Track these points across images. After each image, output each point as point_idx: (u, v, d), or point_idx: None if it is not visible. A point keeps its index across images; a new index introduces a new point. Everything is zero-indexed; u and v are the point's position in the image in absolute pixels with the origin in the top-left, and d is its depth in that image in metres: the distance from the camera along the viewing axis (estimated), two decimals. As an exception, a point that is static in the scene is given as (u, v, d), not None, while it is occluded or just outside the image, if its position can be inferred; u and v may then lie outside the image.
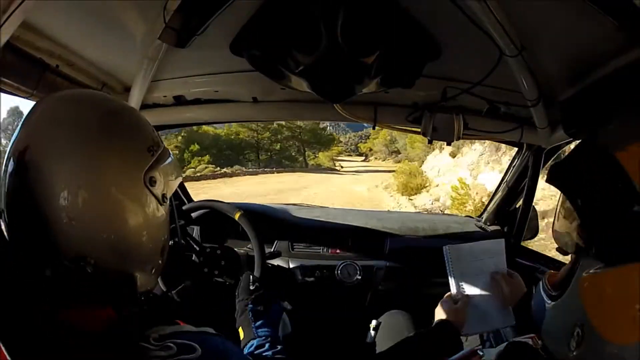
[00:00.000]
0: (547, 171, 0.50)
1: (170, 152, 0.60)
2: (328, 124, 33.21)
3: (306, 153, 30.12)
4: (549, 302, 0.51)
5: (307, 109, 1.29)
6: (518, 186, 1.55)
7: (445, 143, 1.30)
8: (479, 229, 1.67)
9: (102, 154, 0.49)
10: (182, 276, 1.12)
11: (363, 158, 37.33)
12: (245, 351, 0.81)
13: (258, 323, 0.86)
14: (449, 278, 0.90)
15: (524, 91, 1.02)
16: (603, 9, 0.64)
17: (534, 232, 1.56)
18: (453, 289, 0.90)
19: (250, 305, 0.90)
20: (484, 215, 1.73)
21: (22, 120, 0.50)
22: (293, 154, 30.01)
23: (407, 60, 0.99)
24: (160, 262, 0.59)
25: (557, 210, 0.55)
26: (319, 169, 26.62)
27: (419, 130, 1.24)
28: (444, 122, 1.19)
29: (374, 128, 1.36)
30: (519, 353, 0.63)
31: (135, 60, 1.02)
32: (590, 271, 0.44)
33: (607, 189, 0.43)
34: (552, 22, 0.79)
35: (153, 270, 0.57)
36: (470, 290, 0.89)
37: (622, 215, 0.41)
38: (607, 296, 0.42)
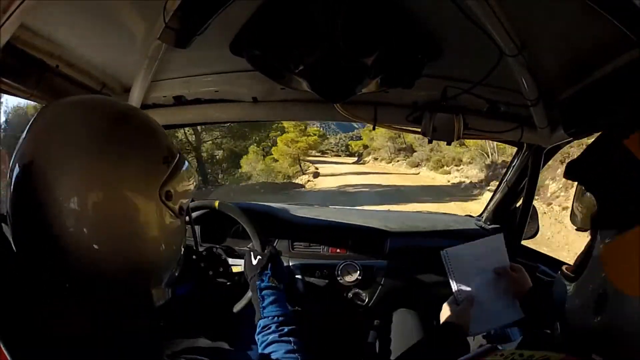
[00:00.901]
0: (565, 167, 0.55)
1: (185, 158, 0.54)
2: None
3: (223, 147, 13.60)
4: (570, 284, 0.55)
5: (307, 109, 1.29)
6: (518, 186, 1.55)
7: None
8: (479, 228, 1.68)
9: (111, 167, 0.44)
10: (184, 277, 1.12)
11: (355, 159, 27.32)
12: (256, 332, 0.80)
13: (265, 302, 0.85)
14: (450, 281, 0.89)
15: (524, 91, 1.02)
16: (603, 9, 0.64)
17: (534, 232, 1.56)
18: (455, 291, 0.88)
19: (258, 282, 0.89)
20: (484, 215, 1.73)
21: (29, 125, 0.47)
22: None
23: (407, 60, 0.99)
24: (175, 273, 0.55)
25: (574, 201, 0.59)
26: (243, 189, 12.11)
27: (419, 130, 1.24)
28: (444, 122, 1.19)
29: (374, 128, 1.36)
30: (538, 342, 0.64)
31: (135, 60, 1.02)
32: (607, 241, 0.48)
33: (620, 174, 0.48)
34: (552, 22, 0.79)
35: (168, 283, 0.54)
36: (474, 289, 0.88)
37: (631, 186, 0.46)
38: (625, 257, 0.46)
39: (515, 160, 1.54)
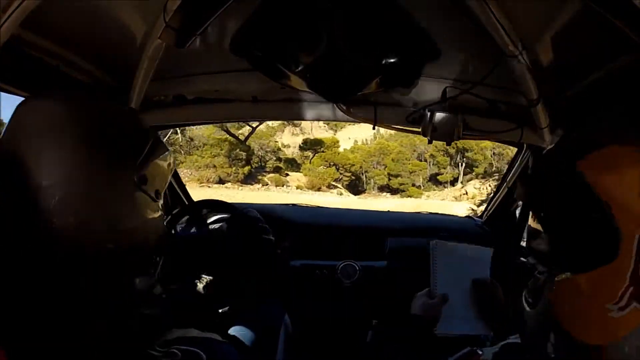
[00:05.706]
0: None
1: (160, 140, 0.56)
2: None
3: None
4: (528, 309, 0.53)
5: (307, 108, 1.29)
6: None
7: None
8: (479, 229, 1.68)
9: (87, 152, 0.46)
10: (198, 269, 1.10)
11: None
12: None
13: None
14: (431, 273, 0.88)
15: (524, 91, 1.02)
16: (603, 9, 0.64)
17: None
18: (432, 284, 0.88)
19: None
20: (484, 216, 1.73)
21: (10, 118, 0.49)
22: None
23: (407, 60, 0.99)
24: (158, 259, 0.56)
25: (529, 222, 0.58)
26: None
27: (419, 130, 1.24)
28: (444, 122, 1.18)
29: (374, 128, 1.36)
30: (513, 352, 0.64)
31: (135, 60, 1.02)
32: (561, 277, 0.46)
33: (569, 197, 0.45)
34: (553, 22, 0.79)
35: (150, 269, 0.55)
36: (450, 290, 0.87)
37: (582, 223, 0.43)
38: (574, 301, 0.45)
39: (516, 161, 1.54)
